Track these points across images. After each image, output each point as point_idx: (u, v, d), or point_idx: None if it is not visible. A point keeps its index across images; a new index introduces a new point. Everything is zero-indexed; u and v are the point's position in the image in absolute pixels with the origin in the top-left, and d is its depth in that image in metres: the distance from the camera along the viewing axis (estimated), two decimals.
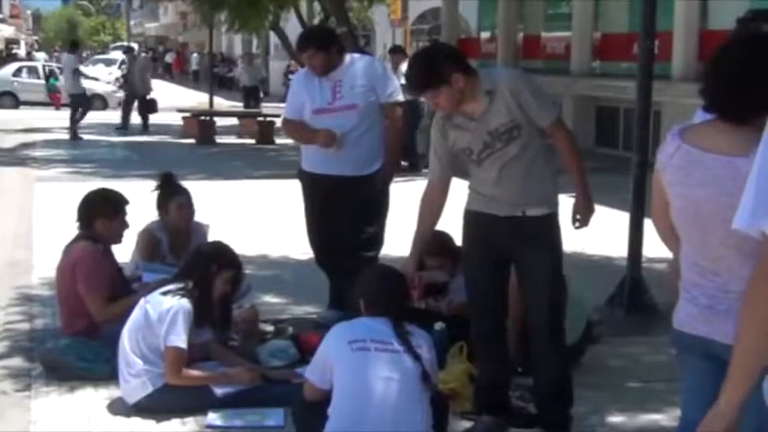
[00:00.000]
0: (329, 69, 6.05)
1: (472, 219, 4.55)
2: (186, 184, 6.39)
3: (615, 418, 4.93)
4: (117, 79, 32.16)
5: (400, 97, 6.19)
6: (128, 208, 5.71)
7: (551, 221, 4.46)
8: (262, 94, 29.53)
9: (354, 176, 6.04)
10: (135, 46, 36.91)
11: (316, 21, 21.91)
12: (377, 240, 6.20)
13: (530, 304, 4.54)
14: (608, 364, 5.81)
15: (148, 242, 6.15)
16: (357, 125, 6.01)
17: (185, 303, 4.84)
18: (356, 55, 6.40)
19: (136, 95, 23.20)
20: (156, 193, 6.22)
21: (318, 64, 6.05)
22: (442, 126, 4.47)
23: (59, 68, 33.40)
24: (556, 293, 4.52)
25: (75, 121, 20.47)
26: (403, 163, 15.41)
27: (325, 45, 6.06)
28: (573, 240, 9.03)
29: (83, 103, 20.97)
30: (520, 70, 4.66)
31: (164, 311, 4.82)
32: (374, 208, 6.14)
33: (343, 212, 6.09)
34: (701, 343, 3.00)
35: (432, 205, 4.62)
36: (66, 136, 20.39)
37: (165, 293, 4.93)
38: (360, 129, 6.02)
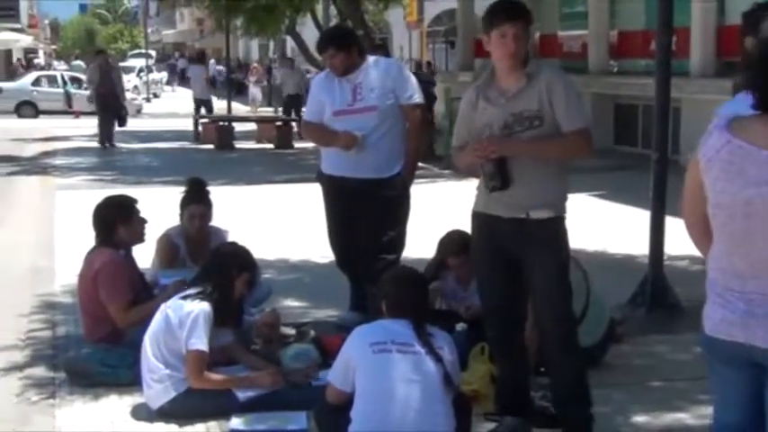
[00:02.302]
0: (349, 70, 6.05)
1: (479, 220, 4.53)
2: (209, 190, 6.39)
3: (639, 418, 4.91)
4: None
5: (419, 99, 6.18)
6: (138, 206, 5.75)
7: (556, 225, 4.39)
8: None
9: (374, 179, 6.03)
10: (153, 53, 36.86)
11: (332, 24, 21.91)
12: (398, 243, 6.19)
13: (537, 309, 4.50)
14: (631, 363, 5.78)
15: (167, 248, 6.18)
16: (377, 127, 6.00)
17: (205, 306, 4.86)
18: (375, 57, 6.40)
19: (115, 106, 20.26)
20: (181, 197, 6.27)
21: (338, 64, 6.05)
22: (475, 97, 4.45)
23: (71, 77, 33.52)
24: (561, 298, 4.42)
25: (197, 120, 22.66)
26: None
27: (346, 45, 6.06)
28: (595, 239, 9.05)
29: (209, 107, 23.53)
30: (563, 72, 4.65)
31: (184, 315, 4.84)
32: (394, 210, 6.13)
33: (363, 215, 6.08)
34: (739, 349, 2.91)
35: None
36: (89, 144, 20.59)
37: (184, 298, 4.95)
38: (379, 131, 6.01)
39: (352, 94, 6.03)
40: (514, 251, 4.40)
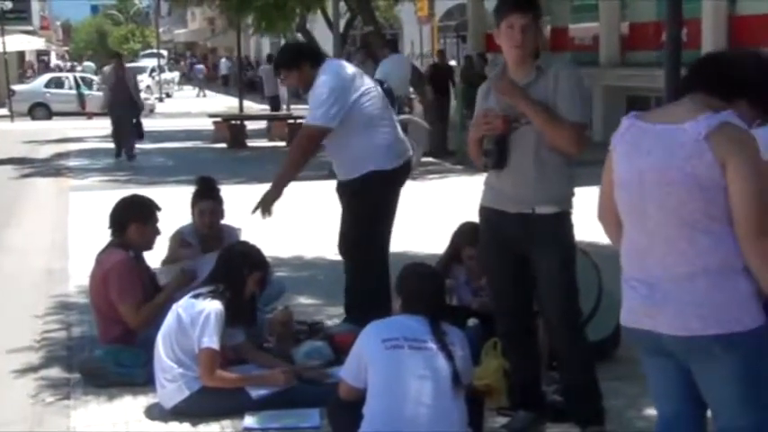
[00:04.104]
0: (309, 85, 5.88)
1: (485, 215, 4.54)
2: (220, 188, 6.40)
3: (651, 411, 4.85)
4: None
5: (309, 119, 5.88)
6: (159, 215, 5.74)
7: (562, 220, 4.39)
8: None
9: (345, 180, 5.99)
10: (164, 52, 36.67)
11: (342, 21, 21.85)
12: (353, 242, 6.07)
13: (543, 303, 4.49)
14: None
15: (179, 245, 6.17)
16: (333, 135, 5.80)
17: (217, 305, 4.87)
18: (323, 65, 5.97)
19: (132, 113, 17.93)
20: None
21: (294, 83, 6.06)
22: (488, 89, 4.49)
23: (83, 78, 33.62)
24: (566, 293, 4.41)
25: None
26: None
27: (295, 64, 5.93)
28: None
29: (277, 104, 26.23)
30: (576, 67, 4.68)
31: (196, 314, 4.85)
32: (359, 208, 5.97)
33: (344, 213, 6.10)
34: (649, 338, 2.94)
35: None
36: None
37: (196, 296, 4.96)
38: (341, 134, 5.79)
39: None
40: (521, 246, 4.40)
